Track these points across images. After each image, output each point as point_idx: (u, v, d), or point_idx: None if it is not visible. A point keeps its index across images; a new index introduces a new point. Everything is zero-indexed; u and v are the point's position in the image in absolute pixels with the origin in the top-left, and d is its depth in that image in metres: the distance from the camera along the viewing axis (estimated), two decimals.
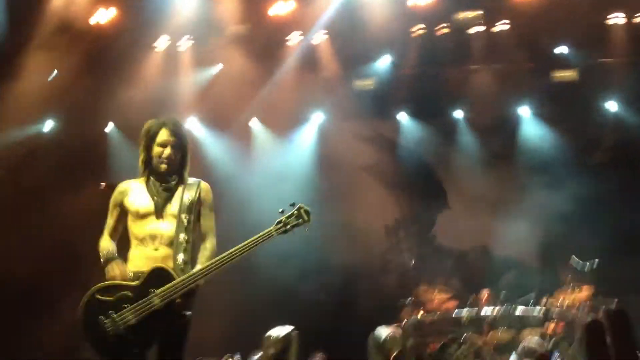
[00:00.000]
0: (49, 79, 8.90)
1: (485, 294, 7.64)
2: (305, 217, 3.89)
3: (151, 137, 3.95)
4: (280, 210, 3.92)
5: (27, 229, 8.60)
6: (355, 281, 9.65)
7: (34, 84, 8.68)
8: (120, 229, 4.01)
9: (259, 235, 3.83)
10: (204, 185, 4.08)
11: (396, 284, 9.55)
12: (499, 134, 9.73)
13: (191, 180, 4.05)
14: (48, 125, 9.51)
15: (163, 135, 3.94)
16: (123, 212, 3.96)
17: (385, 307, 8.69)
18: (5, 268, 8.05)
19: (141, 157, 3.98)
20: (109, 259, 3.85)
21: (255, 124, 10.08)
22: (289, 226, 3.86)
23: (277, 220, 3.88)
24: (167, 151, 3.92)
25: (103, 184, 9.10)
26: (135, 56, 8.83)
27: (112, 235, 4.00)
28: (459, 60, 9.19)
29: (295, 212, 3.89)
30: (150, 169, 3.95)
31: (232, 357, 7.25)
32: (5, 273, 8.05)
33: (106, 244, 3.95)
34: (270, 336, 7.10)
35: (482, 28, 8.70)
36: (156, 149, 3.92)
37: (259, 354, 7.15)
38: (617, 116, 9.37)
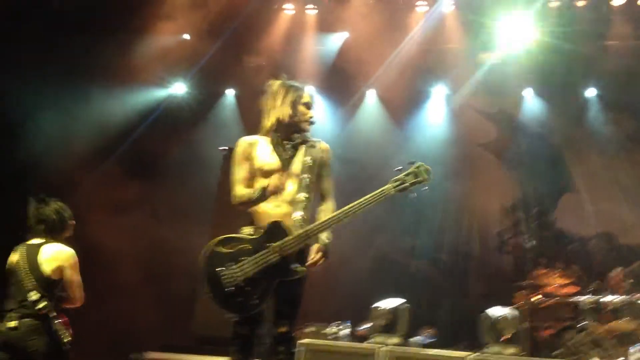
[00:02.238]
0: (179, 39, 9.17)
1: (616, 275, 7.22)
2: (425, 176, 3.68)
3: (298, 97, 3.98)
4: (398, 168, 3.73)
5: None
6: (470, 260, 9.45)
7: (165, 45, 8.98)
8: (250, 183, 3.93)
9: (376, 192, 3.68)
10: (325, 146, 4.06)
11: (511, 266, 9.25)
12: (636, 116, 9.12)
13: (312, 139, 4.06)
14: (178, 88, 9.86)
15: (307, 97, 4.02)
16: (251, 165, 3.94)
17: (499, 288, 8.47)
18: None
19: (282, 114, 3.95)
20: (261, 188, 3.83)
21: (372, 95, 10.02)
22: (407, 184, 3.66)
23: (395, 177, 3.70)
24: (312, 113, 4.01)
25: (225, 148, 9.40)
26: (262, 20, 8.96)
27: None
28: (597, 35, 8.67)
29: (415, 169, 3.69)
30: (282, 127, 3.93)
31: (341, 325, 7.30)
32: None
33: (246, 189, 3.91)
34: (380, 307, 7.12)
35: (624, 1, 8.16)
36: (302, 109, 3.98)
37: (369, 324, 7.17)
38: None
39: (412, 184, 3.68)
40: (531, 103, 9.78)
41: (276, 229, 3.73)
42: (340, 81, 9.61)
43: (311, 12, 9.13)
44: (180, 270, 8.02)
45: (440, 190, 8.94)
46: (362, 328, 7.35)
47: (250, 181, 3.93)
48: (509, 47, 9.09)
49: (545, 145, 9.66)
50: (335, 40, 9.44)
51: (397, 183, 3.68)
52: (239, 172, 3.96)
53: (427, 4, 8.86)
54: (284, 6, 9.10)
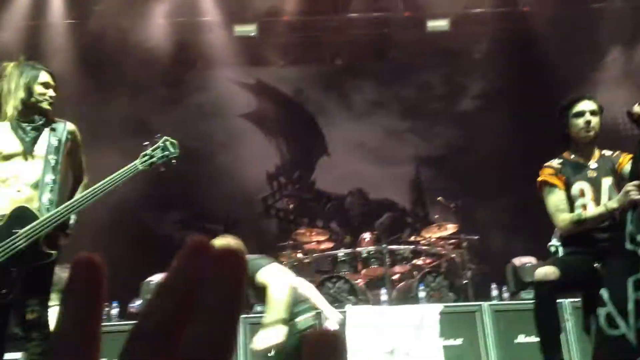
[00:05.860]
0: None
1: (366, 236, 7.97)
2: (172, 149, 3.75)
3: (33, 77, 3.84)
4: (145, 143, 3.76)
5: None
6: (238, 227, 9.80)
7: None
8: None
9: (123, 169, 3.69)
10: (71, 126, 3.99)
11: (277, 229, 9.79)
12: (377, 81, 10.05)
13: (57, 120, 3.99)
14: None
15: (45, 76, 3.87)
16: None
17: (267, 250, 8.91)
18: None
19: (16, 97, 3.82)
20: None
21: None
22: (155, 158, 3.71)
23: (143, 153, 3.72)
24: (52, 92, 3.86)
25: None
26: None
27: None
28: (341, 8, 9.38)
29: (162, 143, 3.74)
30: (20, 111, 3.82)
31: (109, 306, 7.20)
32: None
33: None
34: (151, 283, 7.16)
35: None
36: (40, 89, 3.82)
37: (139, 301, 7.20)
38: (484, 65, 9.93)
39: (161, 158, 3.74)
40: (287, 73, 10.31)
41: (22, 214, 3.63)
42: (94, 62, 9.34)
43: None
44: None
45: (206, 162, 9.19)
46: (133, 305, 7.35)
47: None
48: (262, 20, 9.49)
49: (301, 113, 10.29)
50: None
51: (146, 158, 3.72)
52: None
53: None
54: None
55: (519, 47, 9.56)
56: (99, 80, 9.30)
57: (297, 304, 4.28)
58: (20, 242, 3.56)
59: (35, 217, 3.62)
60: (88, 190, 3.71)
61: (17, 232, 3.57)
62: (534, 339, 5.93)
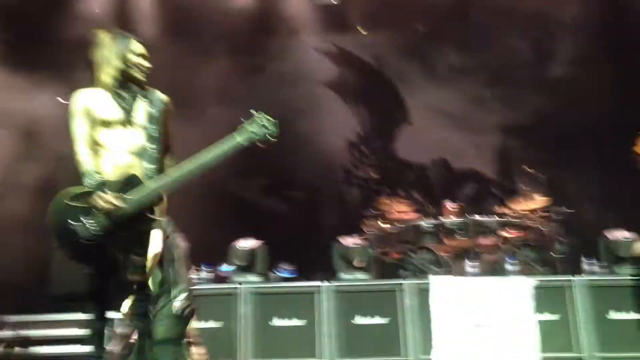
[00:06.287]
0: None
1: (449, 205, 7.88)
2: (274, 129, 3.70)
3: (128, 47, 3.90)
4: (255, 112, 3.69)
5: None
6: (319, 194, 9.85)
7: None
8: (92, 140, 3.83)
9: (226, 145, 3.68)
10: (165, 97, 4.01)
11: (359, 197, 9.78)
12: (459, 48, 9.82)
13: (150, 89, 4.03)
14: None
15: (139, 47, 3.93)
16: (91, 118, 3.83)
17: (348, 219, 8.95)
18: None
19: (113, 66, 3.84)
20: (100, 185, 3.70)
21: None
22: (256, 136, 3.66)
23: (246, 129, 3.67)
24: (146, 62, 3.92)
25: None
26: None
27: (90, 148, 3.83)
28: None
29: (265, 121, 3.69)
30: (116, 79, 3.89)
31: (202, 269, 7.40)
32: None
33: (90, 162, 3.80)
34: (238, 248, 7.30)
35: None
36: (135, 59, 3.90)
37: (229, 265, 7.35)
38: (575, 28, 9.54)
39: (262, 136, 3.67)
40: (368, 40, 10.18)
41: (130, 182, 3.73)
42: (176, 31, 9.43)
43: None
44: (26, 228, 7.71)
45: (286, 129, 9.21)
46: (222, 269, 7.51)
47: (91, 138, 3.84)
48: None
49: (383, 81, 10.17)
50: None
51: (247, 134, 3.68)
52: (81, 129, 3.85)
53: None
54: None
55: (612, 9, 9.12)
56: (180, 49, 9.41)
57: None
58: (128, 208, 3.66)
59: (144, 186, 3.71)
60: (193, 164, 3.74)
61: (126, 198, 3.66)
62: (628, 315, 5.83)
